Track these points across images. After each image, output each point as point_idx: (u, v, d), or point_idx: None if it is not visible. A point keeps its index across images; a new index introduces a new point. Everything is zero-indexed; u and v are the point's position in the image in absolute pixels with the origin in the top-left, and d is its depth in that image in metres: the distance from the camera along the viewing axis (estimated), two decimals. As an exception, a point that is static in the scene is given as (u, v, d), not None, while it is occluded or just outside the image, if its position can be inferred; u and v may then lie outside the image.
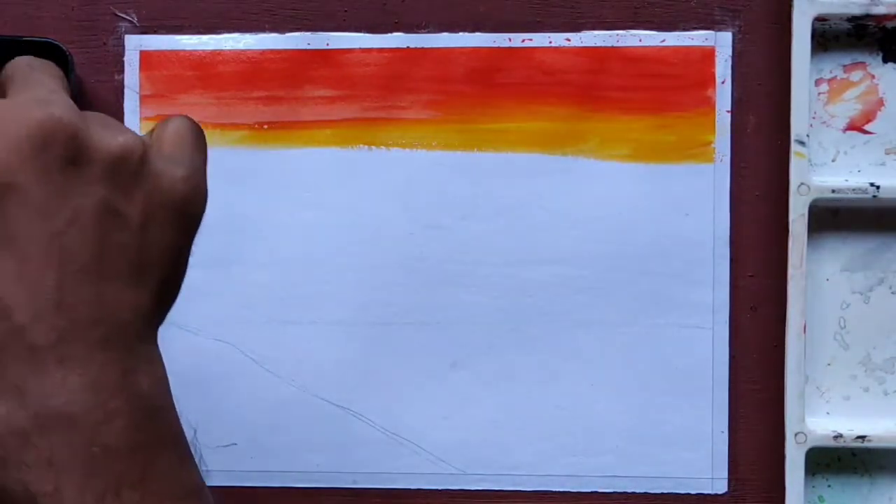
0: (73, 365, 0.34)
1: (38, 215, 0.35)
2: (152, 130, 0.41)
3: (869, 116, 0.55)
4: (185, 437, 0.38)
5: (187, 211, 0.39)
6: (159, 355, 0.38)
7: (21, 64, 0.41)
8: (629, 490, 0.56)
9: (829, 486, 0.56)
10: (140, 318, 0.37)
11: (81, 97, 0.55)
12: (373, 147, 0.56)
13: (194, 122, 0.41)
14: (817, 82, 0.55)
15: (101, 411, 0.34)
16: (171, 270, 0.39)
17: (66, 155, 0.36)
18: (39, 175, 0.35)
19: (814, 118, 0.55)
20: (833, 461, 0.56)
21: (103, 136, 0.37)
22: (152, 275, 0.38)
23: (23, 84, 0.39)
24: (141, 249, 0.37)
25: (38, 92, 0.38)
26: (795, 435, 0.53)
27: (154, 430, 0.36)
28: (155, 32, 0.56)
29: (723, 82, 0.55)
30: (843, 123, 0.55)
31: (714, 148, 0.55)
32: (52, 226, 0.35)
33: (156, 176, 0.38)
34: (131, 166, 0.37)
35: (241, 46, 0.56)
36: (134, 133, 0.38)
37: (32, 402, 0.34)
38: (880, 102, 0.55)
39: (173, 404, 0.38)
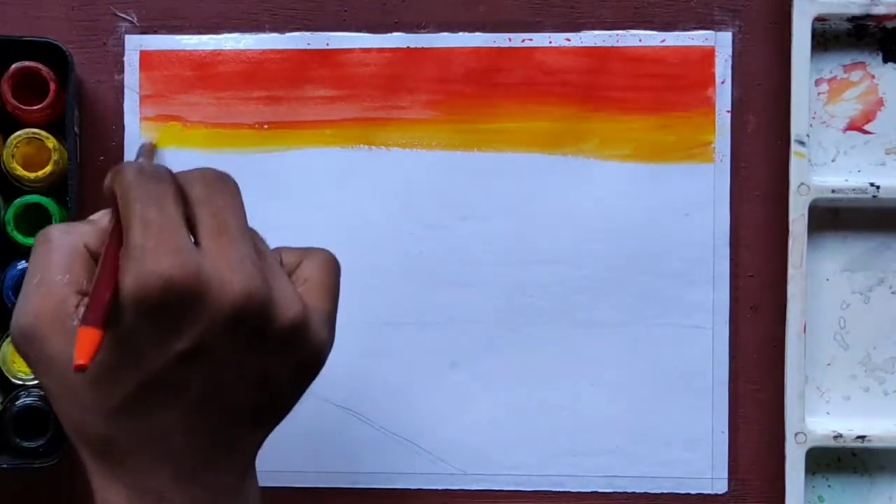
0: (205, 485, 0.40)
1: (214, 374, 0.39)
2: (300, 258, 0.42)
3: (869, 116, 0.55)
4: None
5: (322, 363, 0.42)
6: (256, 472, 0.44)
7: (212, 185, 0.40)
8: (629, 490, 0.56)
9: (829, 486, 0.56)
10: (257, 447, 0.43)
11: (81, 97, 0.55)
12: (373, 147, 0.56)
13: (338, 264, 0.43)
14: (817, 82, 0.55)
15: None
16: (289, 411, 0.43)
17: (252, 329, 0.38)
18: (227, 344, 0.38)
19: (814, 118, 0.55)
20: (833, 461, 0.56)
21: (282, 309, 0.39)
22: (278, 418, 0.43)
23: (217, 228, 0.39)
24: (278, 401, 0.42)
25: (237, 249, 0.38)
26: (795, 435, 0.53)
27: None
28: (155, 32, 0.56)
29: (723, 82, 0.55)
30: (843, 123, 0.55)
31: (714, 148, 0.55)
32: (222, 383, 0.39)
33: (308, 343, 0.41)
34: (294, 338, 0.40)
35: (241, 46, 0.56)
36: (300, 298, 0.40)
37: None
38: (880, 102, 0.55)
39: None
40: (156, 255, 0.37)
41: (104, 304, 0.37)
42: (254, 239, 0.40)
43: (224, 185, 0.40)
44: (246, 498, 0.42)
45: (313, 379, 0.42)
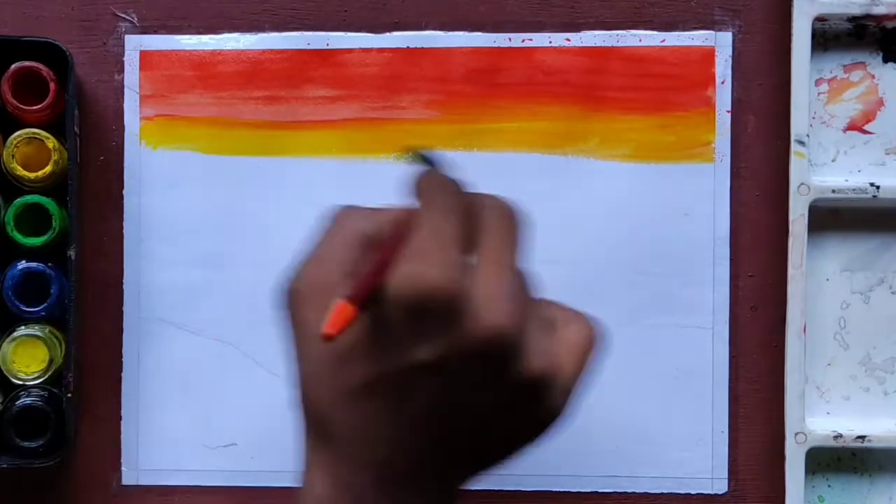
0: (399, 496, 0.41)
1: (443, 394, 0.39)
2: (559, 316, 0.41)
3: (869, 116, 0.55)
4: None
5: (548, 430, 0.42)
6: None
7: (503, 222, 0.40)
8: (629, 490, 0.56)
9: (829, 486, 0.56)
10: (461, 483, 0.42)
11: (81, 97, 0.55)
12: (374, 157, 0.56)
13: (601, 338, 0.42)
14: (817, 82, 0.55)
15: None
16: (499, 464, 0.43)
17: (495, 365, 0.38)
18: (466, 371, 0.38)
19: (814, 118, 0.55)
20: (833, 461, 0.56)
21: (529, 358, 0.39)
22: (489, 461, 0.42)
23: (491, 259, 0.39)
24: (496, 444, 0.42)
25: (507, 283, 0.38)
26: (795, 435, 0.53)
27: None
28: (155, 32, 0.56)
29: (723, 82, 0.55)
30: (843, 123, 0.55)
31: (714, 148, 0.55)
32: (449, 403, 0.39)
33: (543, 402, 0.40)
34: (531, 394, 0.39)
35: (241, 46, 0.56)
36: (550, 355, 0.39)
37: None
38: (880, 102, 0.55)
39: None
40: (431, 261, 0.37)
41: (368, 287, 0.38)
42: (525, 281, 0.40)
43: (515, 221, 0.41)
44: None
45: (533, 442, 0.42)
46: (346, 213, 0.42)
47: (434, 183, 0.40)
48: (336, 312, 0.37)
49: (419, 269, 0.37)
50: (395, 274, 0.37)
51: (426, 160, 0.44)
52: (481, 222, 0.40)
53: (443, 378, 0.38)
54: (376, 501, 0.40)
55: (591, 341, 0.41)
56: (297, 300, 0.41)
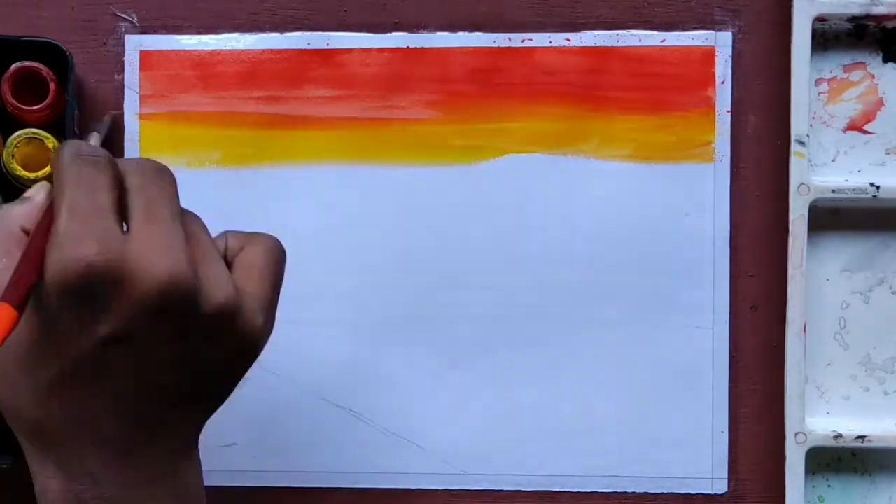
0: (138, 465, 0.41)
1: (142, 360, 0.39)
2: (243, 243, 0.42)
3: (869, 116, 0.55)
4: None
5: (258, 349, 0.42)
6: (198, 455, 0.44)
7: (148, 176, 0.40)
8: (629, 490, 0.56)
9: (829, 486, 0.56)
10: (196, 428, 0.43)
11: (81, 97, 0.55)
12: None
13: (282, 250, 0.43)
14: (817, 82, 0.55)
15: (152, 503, 0.41)
16: (229, 393, 0.43)
17: (179, 315, 0.38)
18: (153, 329, 0.38)
19: (814, 118, 0.55)
20: (833, 461, 0.56)
21: (209, 294, 0.39)
22: (215, 400, 0.43)
23: (147, 215, 0.39)
24: (213, 384, 0.42)
25: (165, 234, 0.38)
26: (795, 435, 0.53)
27: None
28: (155, 32, 0.56)
29: (723, 82, 0.55)
30: (843, 123, 0.55)
31: (714, 148, 0.55)
32: (150, 368, 0.39)
33: (241, 329, 0.40)
34: (225, 323, 0.40)
35: (241, 46, 0.56)
36: (231, 283, 0.40)
37: (102, 489, 0.40)
38: (880, 102, 0.55)
39: (204, 500, 0.44)
40: (79, 242, 0.37)
41: (25, 286, 0.37)
42: (191, 225, 0.40)
43: (160, 175, 0.40)
44: (185, 479, 0.42)
45: (250, 364, 0.42)
46: None
47: (65, 157, 0.39)
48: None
49: (67, 253, 0.37)
50: (47, 262, 0.37)
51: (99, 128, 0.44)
52: (126, 188, 0.39)
53: (136, 345, 0.38)
54: (116, 474, 0.40)
55: (272, 256, 0.42)
56: None
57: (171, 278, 0.38)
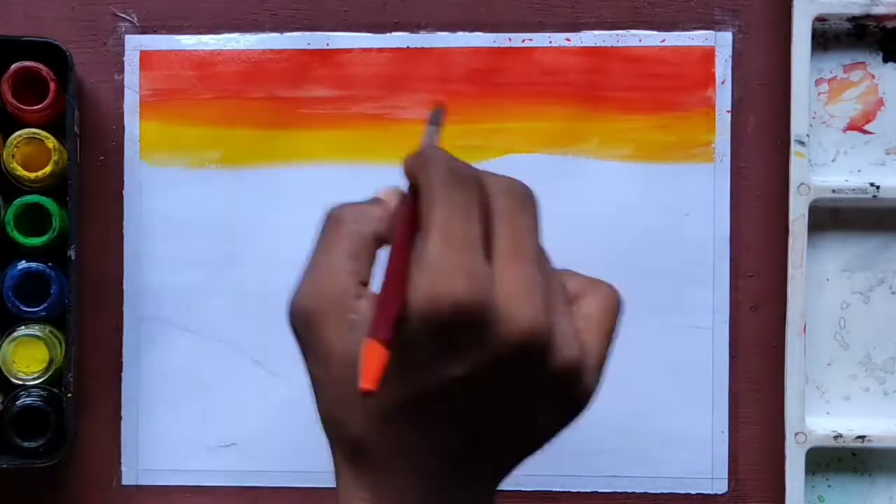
0: (450, 502, 0.39)
1: (482, 405, 0.37)
2: (582, 289, 0.40)
3: (869, 116, 0.55)
4: None
5: (584, 411, 0.40)
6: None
7: (516, 202, 0.38)
8: (629, 490, 0.56)
9: (829, 486, 0.56)
10: (504, 476, 0.40)
11: (81, 97, 0.55)
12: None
13: (621, 304, 0.40)
14: (817, 82, 0.55)
15: None
16: (538, 450, 0.41)
17: (529, 366, 0.36)
18: (499, 377, 0.36)
19: (814, 118, 0.55)
20: (833, 461, 0.56)
21: (560, 350, 0.37)
22: (531, 452, 0.40)
23: (513, 252, 0.37)
24: (538, 436, 0.40)
25: (530, 275, 0.36)
26: (795, 435, 0.53)
27: None
28: (155, 32, 0.56)
29: (723, 82, 0.55)
30: (843, 123, 0.55)
31: (714, 148, 0.55)
32: (488, 414, 0.37)
33: (577, 389, 0.38)
34: (565, 381, 0.38)
35: (241, 46, 0.56)
36: (578, 340, 0.38)
37: None
38: (880, 102, 0.55)
39: None
40: (451, 276, 0.35)
41: (392, 320, 0.35)
42: (545, 263, 0.39)
43: (527, 202, 0.38)
44: None
45: (570, 424, 0.40)
46: (342, 215, 0.40)
47: (438, 174, 0.37)
48: (370, 359, 0.34)
49: (438, 287, 0.35)
50: (414, 292, 0.35)
51: (434, 119, 0.41)
52: (492, 211, 0.37)
53: (479, 389, 0.37)
54: None
55: (612, 312, 0.40)
56: (310, 319, 0.38)
57: (531, 330, 0.36)
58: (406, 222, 0.37)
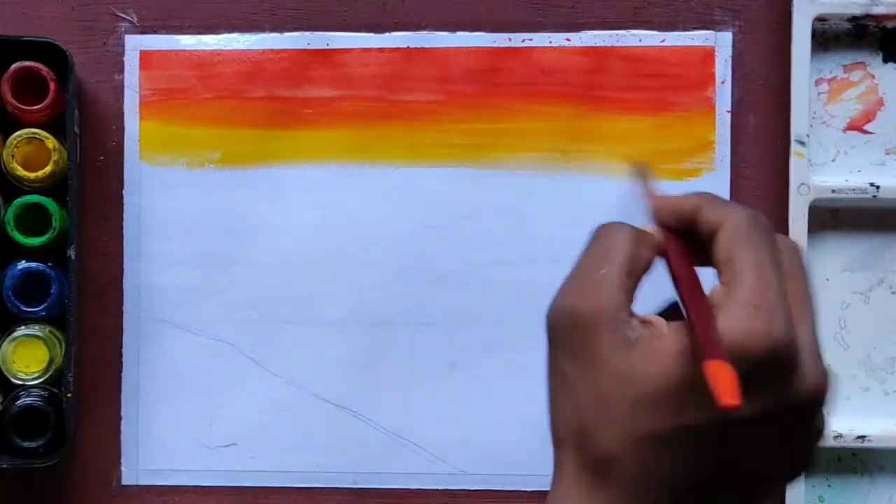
0: None
1: (744, 443, 0.37)
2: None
3: (869, 116, 0.55)
4: None
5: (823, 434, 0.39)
6: None
7: (796, 259, 0.38)
8: (629, 490, 0.55)
9: (829, 486, 0.56)
10: None
11: (81, 97, 0.55)
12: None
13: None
14: (817, 82, 0.55)
15: None
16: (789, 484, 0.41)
17: (807, 423, 0.37)
18: (773, 420, 0.36)
19: (814, 118, 0.55)
20: (833, 461, 0.56)
21: (809, 381, 0.36)
22: (775, 487, 0.39)
23: (803, 308, 0.37)
24: (786, 470, 0.39)
25: (813, 334, 0.37)
26: (795, 435, 0.53)
27: None
28: (155, 32, 0.56)
29: (723, 82, 0.55)
30: (843, 123, 0.55)
31: (714, 148, 0.55)
32: (747, 452, 0.37)
33: (811, 439, 0.38)
34: (818, 411, 0.38)
35: (241, 46, 0.56)
36: (825, 376, 0.38)
37: None
38: (880, 102, 0.55)
39: None
40: (769, 315, 0.35)
41: (716, 340, 0.35)
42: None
43: (803, 259, 0.39)
44: None
45: (810, 464, 0.40)
46: (623, 230, 0.40)
47: (746, 222, 0.38)
48: (723, 377, 0.34)
49: (758, 321, 0.35)
50: (729, 324, 0.35)
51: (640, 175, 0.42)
52: (788, 264, 0.37)
53: (754, 429, 0.36)
54: None
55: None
56: (580, 322, 0.37)
57: (819, 393, 0.36)
58: (687, 259, 0.38)
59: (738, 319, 0.35)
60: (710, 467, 0.37)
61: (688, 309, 0.37)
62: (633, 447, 0.36)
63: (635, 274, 0.39)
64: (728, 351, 0.34)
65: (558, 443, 0.38)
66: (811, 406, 0.36)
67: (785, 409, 0.36)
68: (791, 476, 0.40)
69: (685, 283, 0.38)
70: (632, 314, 0.37)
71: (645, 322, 0.37)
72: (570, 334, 0.38)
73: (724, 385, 0.33)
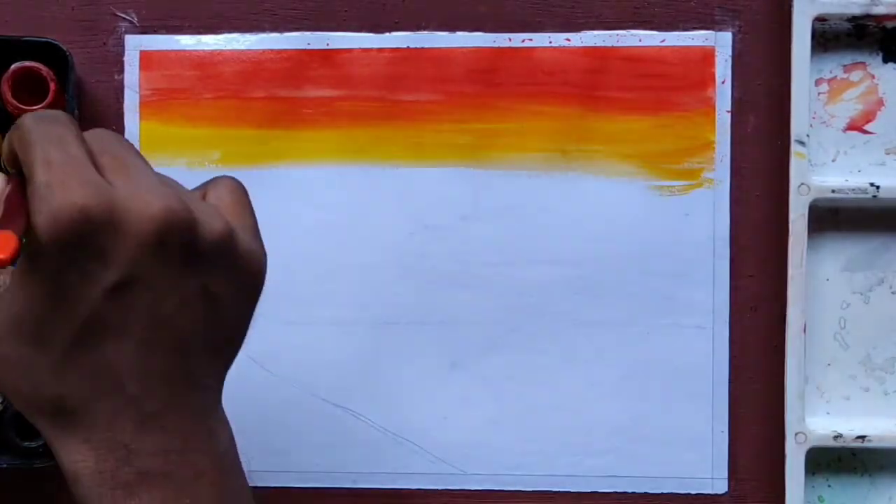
0: (171, 429, 0.39)
1: (154, 303, 0.38)
2: (204, 190, 0.41)
3: (869, 116, 0.55)
4: (250, 490, 0.42)
5: (261, 283, 0.42)
6: (225, 414, 0.42)
7: (108, 138, 0.39)
8: (629, 490, 0.56)
9: (829, 486, 0.56)
10: (219, 382, 0.42)
11: (81, 97, 0.55)
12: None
13: (244, 187, 0.42)
14: (817, 82, 0.55)
15: (191, 470, 0.39)
16: (243, 337, 0.42)
17: (181, 247, 0.37)
18: (158, 267, 0.37)
19: (814, 118, 0.55)
20: (833, 461, 0.56)
21: (206, 223, 0.38)
22: (232, 344, 0.41)
23: (122, 167, 0.38)
24: (227, 324, 0.40)
25: (147, 179, 0.38)
26: (795, 435, 0.53)
27: (231, 484, 0.41)
28: (155, 32, 0.56)
29: (723, 82, 0.55)
30: (843, 123, 0.55)
31: (714, 148, 0.55)
32: (164, 311, 0.38)
33: (242, 255, 0.40)
34: (226, 250, 0.39)
35: (241, 46, 0.56)
36: (221, 214, 0.39)
37: (137, 461, 0.38)
38: (880, 102, 0.55)
39: (240, 458, 0.42)
40: (65, 188, 0.36)
41: (20, 213, 0.36)
42: (166, 178, 0.40)
43: (119, 138, 0.40)
44: (217, 439, 0.41)
45: (258, 295, 0.42)
46: None
47: (26, 121, 0.38)
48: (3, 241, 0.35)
49: (56, 201, 0.35)
50: (36, 219, 0.36)
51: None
52: (92, 149, 0.38)
53: (141, 287, 0.37)
54: (150, 441, 0.38)
55: (237, 190, 0.42)
56: None
57: (167, 213, 0.37)
58: (15, 183, 0.38)
59: (37, 210, 0.36)
60: (140, 353, 0.38)
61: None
62: (62, 374, 0.38)
63: None
64: (44, 241, 0.35)
65: (32, 420, 0.39)
66: (170, 232, 0.37)
67: (147, 254, 0.37)
68: (237, 322, 0.41)
69: (5, 201, 0.38)
70: None
71: None
72: None
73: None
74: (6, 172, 0.40)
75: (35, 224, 0.36)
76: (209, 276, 0.39)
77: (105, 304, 0.37)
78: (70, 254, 0.36)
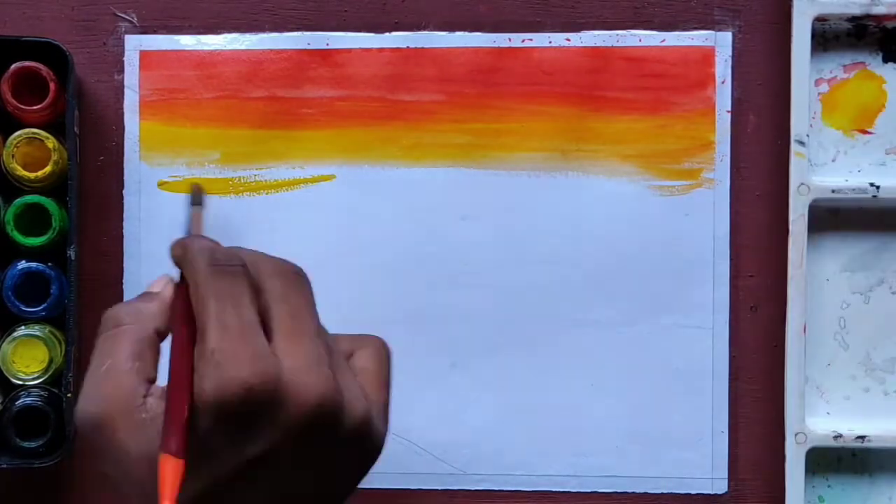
0: None
1: (279, 479, 0.38)
2: (352, 348, 0.41)
3: (869, 116, 0.55)
4: None
5: (375, 459, 0.42)
6: None
7: (284, 287, 0.39)
8: (629, 490, 0.56)
9: (829, 486, 0.56)
10: None
11: (81, 97, 0.55)
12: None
13: (389, 351, 0.42)
14: (817, 82, 0.55)
15: None
16: (344, 501, 0.42)
17: (323, 431, 0.38)
18: (296, 448, 0.38)
19: (814, 118, 0.55)
20: (833, 461, 0.56)
21: (350, 410, 0.38)
22: (339, 502, 0.42)
23: (291, 333, 0.38)
24: (335, 491, 0.41)
25: (313, 349, 0.38)
26: (795, 435, 0.53)
27: None
28: (155, 32, 0.56)
29: (723, 82, 0.55)
30: (843, 123, 0.55)
31: (714, 148, 0.55)
32: (286, 486, 0.38)
33: (371, 438, 0.40)
34: (359, 436, 0.39)
35: (241, 46, 0.56)
36: (365, 394, 0.39)
37: None
38: (880, 102, 0.55)
39: None
40: (235, 362, 0.36)
41: (182, 424, 0.36)
42: (325, 334, 0.40)
43: (300, 281, 0.40)
44: None
45: (368, 470, 0.42)
46: (119, 316, 0.40)
47: (201, 266, 0.38)
48: (166, 473, 0.35)
49: (226, 373, 0.36)
50: (200, 385, 0.36)
51: (195, 200, 0.43)
52: (265, 294, 0.39)
53: (281, 463, 0.38)
54: None
55: (385, 360, 0.42)
56: (99, 423, 0.38)
57: (322, 400, 0.37)
58: (182, 318, 0.38)
59: (204, 377, 0.36)
60: (262, 497, 0.38)
61: (169, 383, 0.37)
62: None
63: (146, 349, 0.39)
64: (205, 411, 0.36)
65: None
66: (321, 418, 0.37)
67: (294, 437, 0.37)
68: (344, 491, 0.41)
69: (174, 349, 0.38)
70: (149, 393, 0.38)
71: (163, 395, 0.38)
72: (95, 436, 0.38)
73: (164, 485, 0.35)
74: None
75: (200, 389, 0.36)
76: (338, 454, 0.39)
77: (239, 473, 0.37)
78: (225, 423, 0.36)
